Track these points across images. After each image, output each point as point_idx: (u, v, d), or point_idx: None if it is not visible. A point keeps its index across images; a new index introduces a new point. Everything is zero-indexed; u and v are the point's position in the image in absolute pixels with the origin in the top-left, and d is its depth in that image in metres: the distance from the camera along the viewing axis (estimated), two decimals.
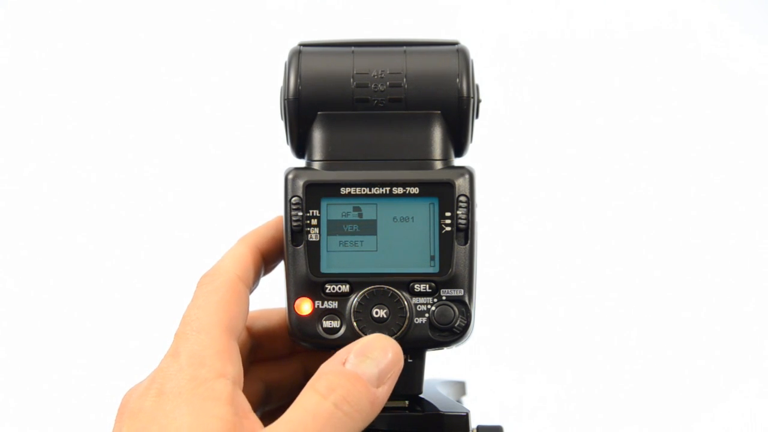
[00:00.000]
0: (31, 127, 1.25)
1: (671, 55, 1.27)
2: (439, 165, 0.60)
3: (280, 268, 0.61)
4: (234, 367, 0.53)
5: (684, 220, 1.24)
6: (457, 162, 0.62)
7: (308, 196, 0.59)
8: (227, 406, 0.50)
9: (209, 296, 0.55)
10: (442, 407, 0.61)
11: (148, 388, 0.52)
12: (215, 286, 0.56)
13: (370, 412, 0.52)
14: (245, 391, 0.54)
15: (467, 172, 0.59)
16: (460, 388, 0.76)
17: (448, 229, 0.59)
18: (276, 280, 0.61)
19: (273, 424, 0.50)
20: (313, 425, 0.49)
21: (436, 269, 0.59)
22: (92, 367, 1.20)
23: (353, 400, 0.51)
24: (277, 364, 0.67)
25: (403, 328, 0.58)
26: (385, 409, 0.60)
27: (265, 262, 0.61)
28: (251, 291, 0.60)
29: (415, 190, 0.59)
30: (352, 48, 0.61)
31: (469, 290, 0.59)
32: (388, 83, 0.60)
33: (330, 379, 0.52)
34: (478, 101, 0.62)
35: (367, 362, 0.53)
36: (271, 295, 0.67)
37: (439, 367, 0.71)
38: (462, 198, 0.59)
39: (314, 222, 0.59)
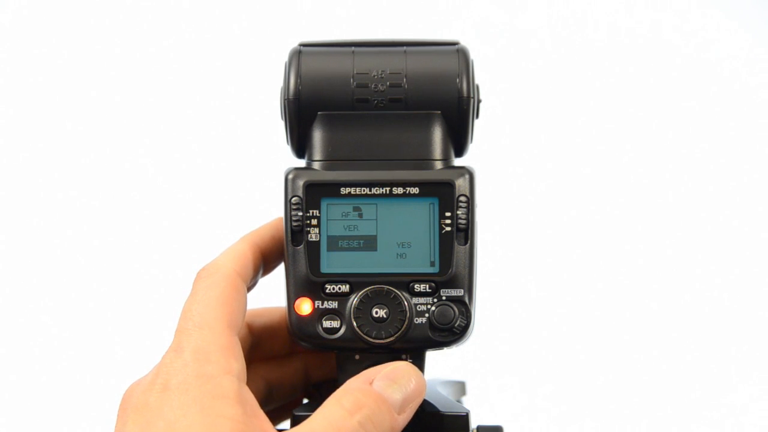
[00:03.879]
0: (32, 127, 1.25)
1: (672, 55, 1.27)
2: (439, 165, 0.60)
3: (281, 268, 0.61)
4: (238, 363, 0.53)
5: (685, 219, 1.24)
6: (457, 162, 0.62)
7: (308, 196, 0.59)
8: (237, 405, 0.50)
9: (208, 291, 0.55)
10: (442, 407, 0.61)
11: (152, 383, 0.51)
12: (214, 281, 0.56)
13: None
14: None
15: (467, 172, 0.59)
16: (460, 388, 0.76)
17: (448, 229, 0.59)
18: (277, 279, 0.61)
19: (294, 429, 0.50)
20: None
21: (436, 269, 0.59)
22: (92, 364, 1.20)
23: (377, 422, 0.51)
24: (277, 362, 0.67)
25: (403, 328, 0.58)
26: None
27: (265, 261, 0.61)
28: (250, 289, 0.60)
29: (415, 190, 0.59)
30: (352, 48, 0.61)
31: (469, 290, 0.59)
32: (388, 83, 0.60)
33: (358, 397, 0.52)
34: (479, 101, 0.61)
35: (394, 387, 0.53)
36: (270, 296, 0.67)
37: (439, 367, 0.71)
38: (462, 198, 0.59)
39: (314, 222, 0.59)
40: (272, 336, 0.66)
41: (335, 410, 0.51)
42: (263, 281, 0.64)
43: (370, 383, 0.53)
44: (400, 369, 0.55)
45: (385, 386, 0.53)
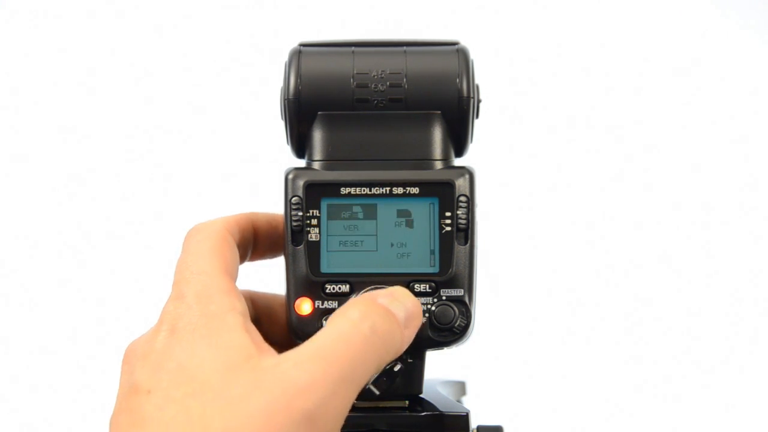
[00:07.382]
0: (35, 127, 1.25)
1: (673, 55, 1.27)
2: (439, 165, 0.60)
3: (280, 267, 0.61)
4: (241, 302, 0.52)
5: (684, 219, 1.24)
6: (457, 162, 0.62)
7: (308, 196, 0.59)
8: (245, 334, 0.50)
9: (200, 244, 0.55)
10: (442, 407, 0.61)
11: (156, 331, 0.51)
12: (206, 235, 0.56)
13: (399, 349, 0.51)
14: None
15: (467, 172, 0.59)
16: (460, 388, 0.76)
17: (448, 229, 0.59)
18: (276, 279, 0.61)
19: (297, 347, 0.48)
20: (346, 350, 0.47)
21: (436, 269, 0.59)
22: (90, 361, 1.20)
23: (387, 331, 0.50)
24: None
25: None
26: (385, 409, 0.61)
27: (256, 237, 0.61)
28: (240, 262, 0.60)
29: (415, 190, 0.59)
30: (352, 48, 0.62)
31: (469, 290, 0.59)
32: (388, 83, 0.60)
33: (364, 308, 0.50)
34: (479, 101, 0.61)
35: (397, 303, 0.52)
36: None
37: (439, 367, 0.71)
38: (462, 198, 0.59)
39: (314, 222, 0.59)
40: (271, 320, 0.66)
41: (341, 322, 0.49)
42: (263, 281, 0.64)
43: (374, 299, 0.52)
44: (398, 290, 0.54)
45: (389, 302, 0.52)
